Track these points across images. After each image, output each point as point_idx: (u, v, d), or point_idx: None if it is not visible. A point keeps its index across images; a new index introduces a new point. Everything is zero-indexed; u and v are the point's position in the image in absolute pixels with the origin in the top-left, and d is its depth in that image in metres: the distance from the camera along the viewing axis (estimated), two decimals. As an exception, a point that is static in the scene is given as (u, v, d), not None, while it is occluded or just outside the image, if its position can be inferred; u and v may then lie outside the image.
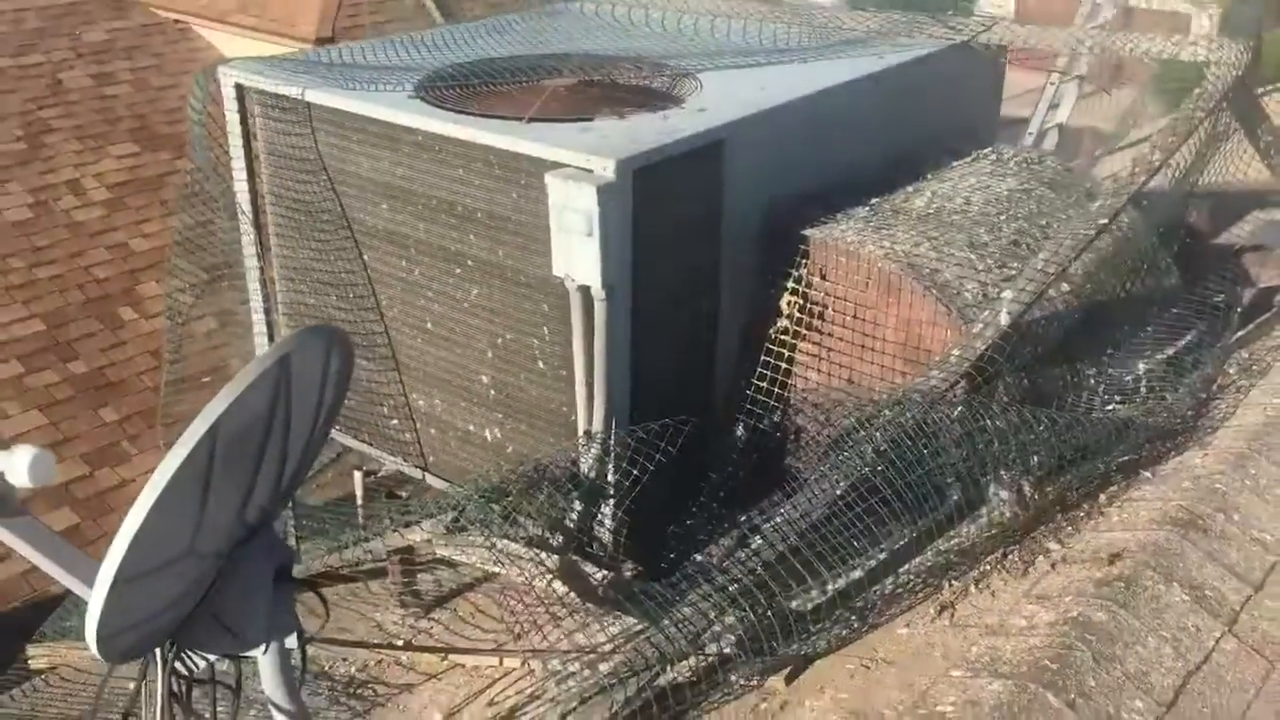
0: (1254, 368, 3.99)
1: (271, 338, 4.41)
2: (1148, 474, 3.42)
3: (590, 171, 3.19)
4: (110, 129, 10.74)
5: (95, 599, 1.99)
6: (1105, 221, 3.54)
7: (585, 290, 3.26)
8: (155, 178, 10.01)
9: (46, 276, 9.21)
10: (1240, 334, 4.35)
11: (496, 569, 3.56)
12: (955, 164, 4.28)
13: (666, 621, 2.90)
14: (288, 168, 4.07)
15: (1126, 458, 3.52)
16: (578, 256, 3.21)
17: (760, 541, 3.03)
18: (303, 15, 11.52)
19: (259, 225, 4.25)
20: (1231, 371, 4.00)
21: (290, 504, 5.00)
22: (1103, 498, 3.35)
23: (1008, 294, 3.45)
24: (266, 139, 4.10)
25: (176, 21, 12.15)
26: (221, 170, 4.35)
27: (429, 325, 3.92)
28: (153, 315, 8.79)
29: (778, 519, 3.09)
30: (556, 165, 3.26)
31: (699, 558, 3.39)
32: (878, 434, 3.15)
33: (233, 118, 4.11)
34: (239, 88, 4.07)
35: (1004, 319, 3.40)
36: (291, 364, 2.15)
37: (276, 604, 2.38)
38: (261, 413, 2.15)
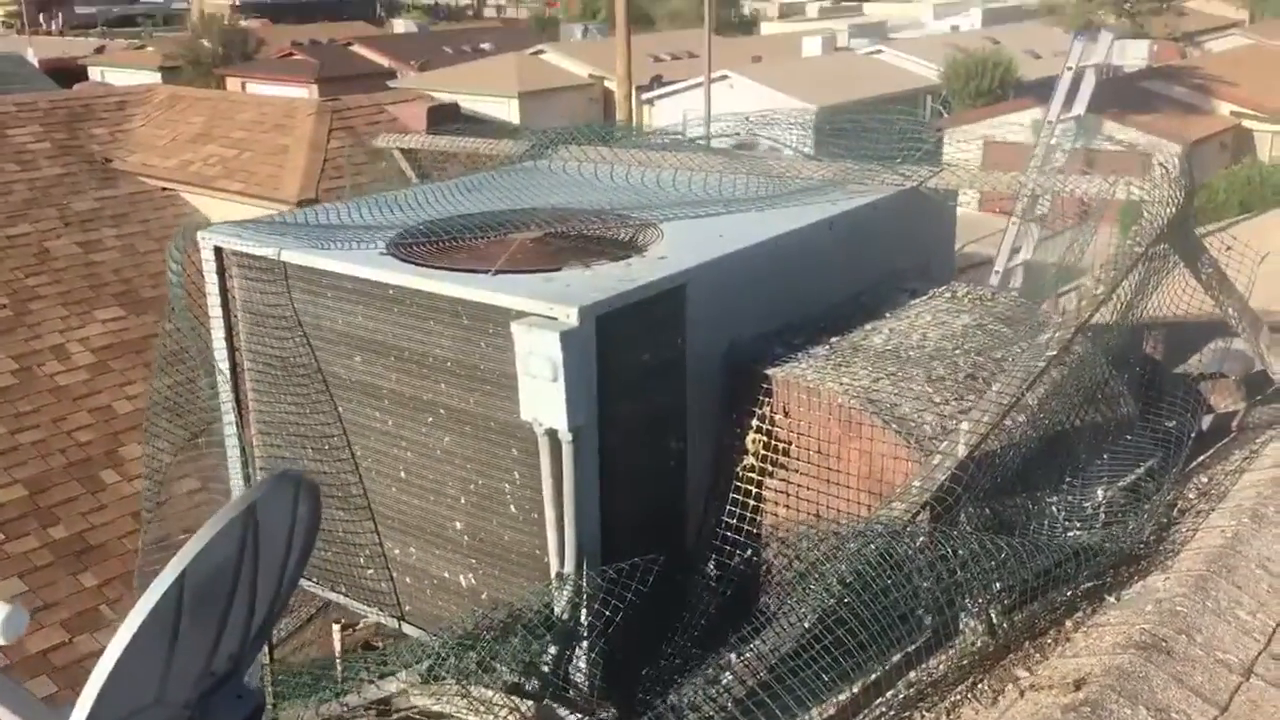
0: (1213, 492, 4.07)
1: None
2: (1112, 599, 3.47)
3: (554, 319, 3.32)
4: (95, 294, 10.96)
5: (62, 752, 2.01)
6: (1054, 353, 3.67)
7: (553, 434, 3.35)
8: (139, 340, 10.18)
9: (29, 441, 9.27)
10: (1199, 459, 4.46)
11: (472, 718, 3.55)
12: (912, 302, 4.43)
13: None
14: (264, 325, 4.19)
15: (1091, 583, 3.57)
16: (544, 401, 3.31)
17: (730, 678, 3.05)
18: (286, 179, 11.90)
19: (236, 382, 4.35)
20: (1191, 496, 4.09)
21: (269, 660, 4.97)
22: (1069, 623, 3.39)
23: (964, 425, 3.55)
24: (244, 298, 4.24)
25: (163, 188, 12.52)
26: (200, 330, 4.47)
27: (403, 474, 3.99)
28: (134, 477, 8.83)
29: (747, 654, 3.12)
30: (522, 314, 3.39)
31: (673, 697, 3.39)
32: (842, 566, 3.20)
33: (211, 279, 4.26)
34: (217, 250, 4.23)
35: (961, 450, 3.49)
36: (258, 511, 2.22)
37: (245, 754, 2.38)
38: (229, 561, 2.20)
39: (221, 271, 4.25)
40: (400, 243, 4.03)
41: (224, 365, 4.33)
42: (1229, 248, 4.37)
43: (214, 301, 4.27)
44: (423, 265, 3.81)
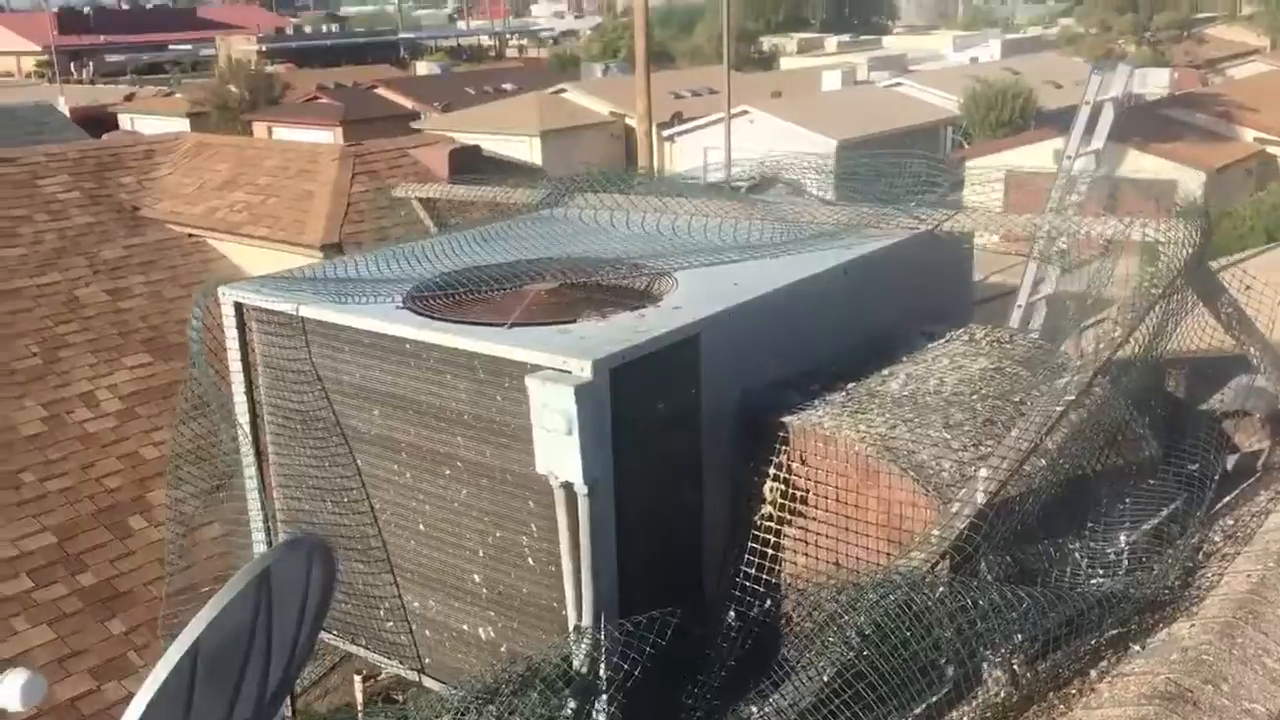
0: (1239, 534, 4.02)
1: (270, 544, 4.48)
2: (1137, 647, 3.42)
3: (568, 373, 3.33)
4: (124, 341, 11.09)
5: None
6: (1072, 397, 3.64)
7: (568, 487, 3.35)
8: (166, 386, 10.28)
9: (58, 489, 9.36)
10: (1225, 500, 4.41)
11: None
12: (929, 346, 4.42)
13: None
14: (284, 379, 4.23)
15: (1116, 631, 3.53)
16: (559, 454, 3.31)
17: (749, 733, 3.03)
18: (309, 225, 12.03)
19: (257, 435, 4.38)
20: (1217, 539, 4.04)
21: (291, 711, 4.97)
22: (1093, 673, 3.35)
23: (983, 472, 3.53)
24: (264, 352, 4.28)
25: (190, 235, 12.67)
26: (222, 383, 4.51)
27: (421, 527, 4.00)
28: (161, 523, 8.89)
29: (767, 709, 3.10)
30: (537, 368, 3.40)
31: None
32: (861, 617, 3.18)
33: (231, 334, 4.30)
34: (238, 305, 4.28)
35: (980, 497, 3.46)
36: (272, 576, 2.24)
37: (260, 818, 2.39)
38: (243, 627, 2.22)
39: (242, 326, 4.29)
40: (416, 296, 4.07)
41: (244, 419, 4.36)
42: (1248, 287, 4.34)
43: (234, 356, 4.32)
44: (438, 319, 3.84)
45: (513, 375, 3.52)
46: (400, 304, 4.00)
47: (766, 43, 64.41)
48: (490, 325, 3.72)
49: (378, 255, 4.71)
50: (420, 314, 3.90)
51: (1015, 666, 3.37)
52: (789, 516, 3.81)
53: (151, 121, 40.37)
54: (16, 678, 2.32)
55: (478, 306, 3.96)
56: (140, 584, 8.87)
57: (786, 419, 3.83)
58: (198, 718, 2.16)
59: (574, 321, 3.76)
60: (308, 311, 4.05)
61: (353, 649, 4.42)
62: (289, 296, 4.13)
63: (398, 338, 3.82)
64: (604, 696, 3.49)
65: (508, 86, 47.85)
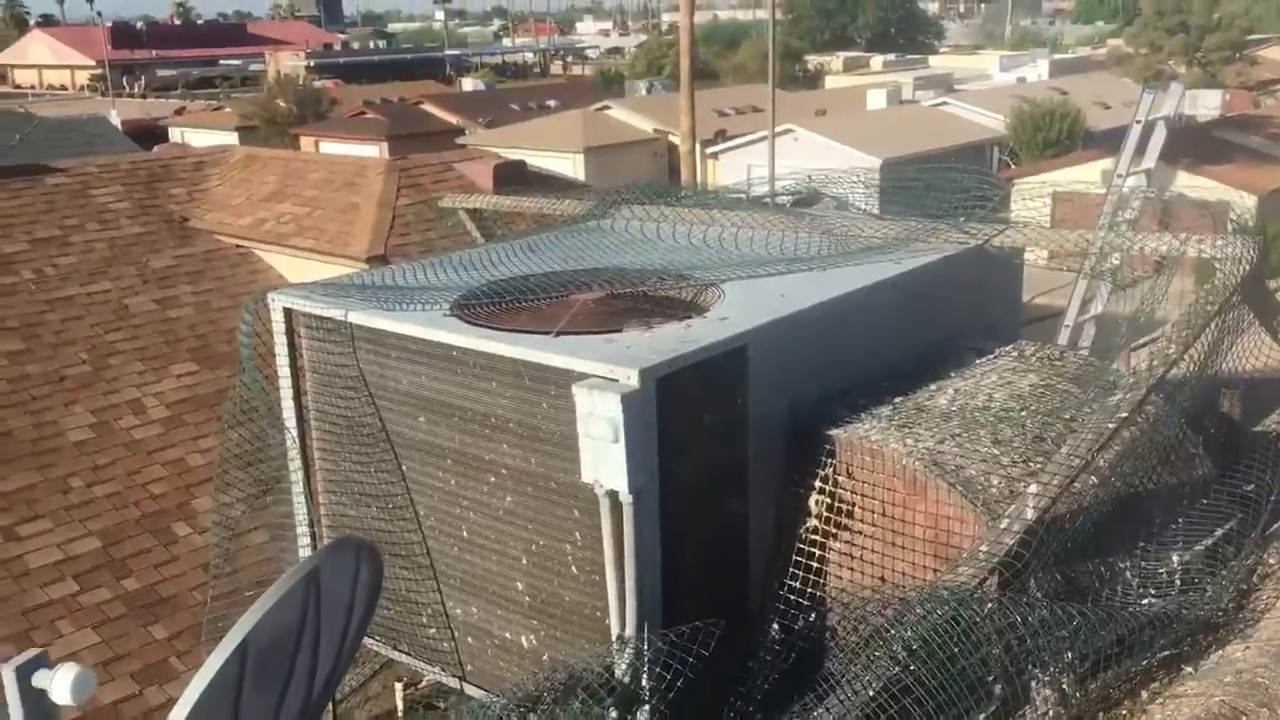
0: (1295, 556, 3.95)
1: (315, 549, 4.51)
2: (1190, 669, 3.36)
3: (615, 381, 3.32)
4: (171, 350, 11.21)
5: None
6: (1125, 414, 3.59)
7: (613, 495, 3.35)
8: (213, 394, 10.37)
9: (104, 494, 9.46)
10: (1280, 522, 4.32)
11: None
12: (978, 361, 4.37)
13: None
14: (331, 385, 4.26)
15: (1168, 653, 3.46)
16: (605, 463, 3.31)
17: (794, 746, 2.99)
18: (356, 237, 12.13)
19: (304, 440, 4.41)
20: (1272, 561, 3.96)
21: (333, 716, 4.99)
22: (1144, 694, 3.29)
23: (1033, 488, 3.48)
24: (311, 358, 4.31)
25: (238, 246, 12.82)
26: (269, 388, 4.55)
27: (465, 534, 4.01)
28: (205, 530, 8.97)
29: (811, 722, 3.06)
30: (583, 376, 3.40)
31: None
32: (908, 632, 3.14)
33: (280, 340, 4.34)
34: (287, 312, 4.32)
35: (1030, 513, 3.42)
36: (320, 577, 2.24)
37: (305, 818, 2.39)
38: (291, 627, 2.23)
39: (290, 332, 4.33)
40: (464, 304, 4.08)
41: (292, 424, 4.39)
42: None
43: (283, 362, 4.35)
44: (485, 327, 3.85)
45: (559, 383, 3.52)
46: (447, 311, 4.02)
47: (812, 61, 64.40)
48: (536, 333, 3.72)
49: (425, 264, 4.74)
50: (467, 321, 3.92)
51: (1065, 686, 3.31)
52: (834, 530, 3.77)
53: (201, 135, 41.01)
54: (68, 672, 2.34)
55: (524, 315, 3.97)
56: (184, 590, 8.94)
57: (833, 431, 3.80)
58: (245, 715, 2.17)
59: (620, 331, 3.76)
60: (356, 317, 4.07)
61: (394, 655, 4.42)
62: (337, 303, 4.16)
63: (444, 344, 3.84)
64: (646, 707, 3.47)
65: (551, 103, 48.16)
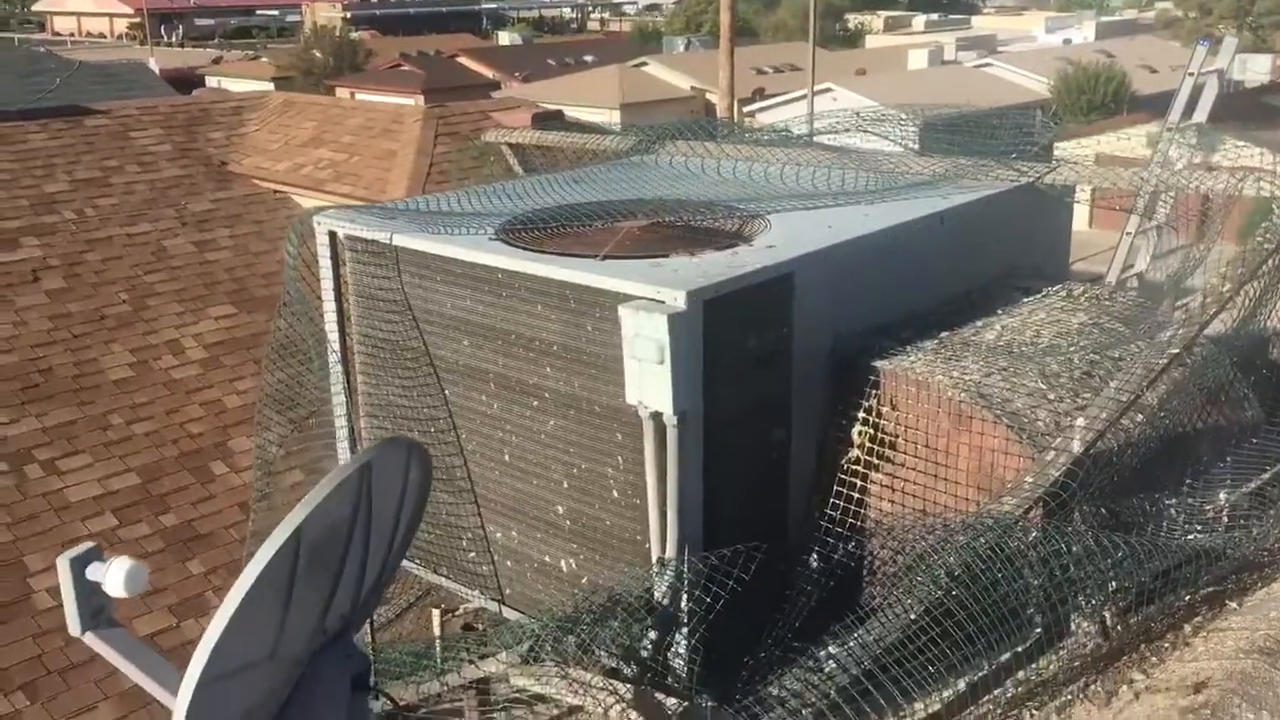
0: (1343, 499, 3.90)
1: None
2: (1234, 605, 3.34)
3: (662, 302, 3.31)
4: (209, 292, 11.28)
5: (182, 697, 2.05)
6: (1176, 351, 3.55)
7: (657, 417, 3.34)
8: (250, 337, 10.44)
9: (143, 432, 9.57)
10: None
11: (571, 699, 3.55)
12: (1025, 299, 4.33)
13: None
14: (375, 308, 4.27)
15: (1212, 589, 3.44)
16: (650, 384, 3.30)
17: (833, 665, 3.00)
18: (393, 182, 12.13)
19: (347, 364, 4.44)
20: (1319, 503, 3.92)
21: (371, 640, 5.05)
22: (1188, 628, 3.27)
23: (1080, 421, 3.45)
24: (356, 281, 4.32)
25: (276, 191, 12.86)
26: (313, 314, 4.57)
27: (506, 457, 4.02)
28: (243, 469, 9.07)
29: (851, 643, 3.07)
30: (629, 298, 3.39)
31: (773, 688, 3.34)
32: (951, 558, 3.14)
33: (325, 262, 4.35)
34: (332, 234, 4.32)
35: (1077, 446, 3.39)
36: (373, 472, 2.25)
37: (354, 713, 2.42)
38: (344, 520, 2.24)
39: (335, 255, 4.34)
40: (509, 229, 4.07)
41: (335, 347, 4.42)
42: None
43: (327, 285, 4.37)
44: (531, 250, 3.84)
45: (604, 306, 3.51)
46: (493, 236, 4.01)
47: (853, 20, 63.60)
48: (583, 257, 3.71)
49: (470, 192, 4.73)
50: (513, 245, 3.91)
51: (1107, 617, 3.30)
52: (877, 461, 3.76)
53: (238, 84, 41.04)
54: (121, 565, 2.37)
55: (570, 240, 3.96)
56: (220, 527, 9.05)
57: (878, 363, 3.78)
58: (297, 605, 2.19)
59: (666, 256, 3.74)
60: (401, 241, 4.07)
61: (434, 578, 4.46)
62: (382, 226, 4.17)
63: (490, 267, 3.83)
64: (685, 629, 3.48)
65: (589, 58, 47.86)
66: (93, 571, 2.47)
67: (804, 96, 28.51)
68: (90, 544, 2.53)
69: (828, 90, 33.27)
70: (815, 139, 5.64)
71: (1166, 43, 43.88)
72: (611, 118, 35.45)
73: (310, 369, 4.74)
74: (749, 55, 41.29)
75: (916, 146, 5.34)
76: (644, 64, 44.21)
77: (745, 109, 36.53)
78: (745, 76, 36.36)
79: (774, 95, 37.60)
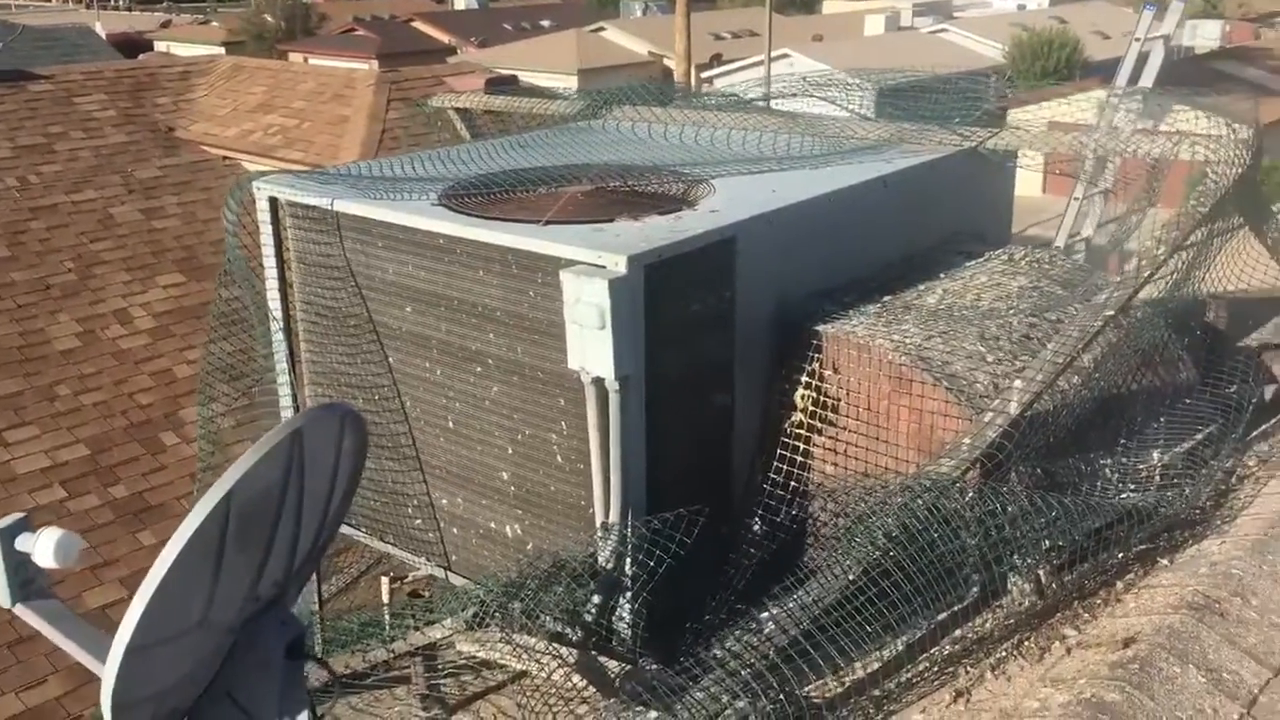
0: (1273, 459, 3.98)
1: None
2: (1165, 562, 3.41)
3: (602, 267, 3.31)
4: (157, 260, 11.14)
5: (110, 666, 2.04)
6: (1111, 313, 3.60)
7: (599, 382, 3.35)
8: (199, 305, 10.32)
9: (91, 403, 9.46)
10: (1262, 428, 4.36)
11: (515, 664, 3.57)
12: (967, 264, 4.36)
13: (681, 709, 2.90)
14: (317, 275, 4.23)
15: (1144, 547, 3.51)
16: (591, 349, 3.30)
17: (773, 627, 3.03)
18: (345, 148, 12.00)
19: (289, 331, 4.40)
20: (1251, 463, 4.00)
21: (318, 608, 5.04)
22: (1120, 585, 3.34)
23: (1018, 383, 3.50)
24: (298, 248, 4.28)
25: (225, 158, 12.68)
26: (255, 281, 4.52)
27: (451, 424, 4.02)
28: (193, 439, 8.98)
29: (790, 604, 3.10)
30: (571, 263, 3.39)
31: (719, 651, 3.38)
32: (889, 519, 3.17)
33: (265, 229, 4.30)
34: (272, 200, 4.28)
35: (1014, 408, 3.43)
36: (304, 438, 2.24)
37: (288, 680, 2.41)
38: (275, 486, 2.23)
39: (276, 221, 4.29)
40: (452, 194, 4.05)
41: (277, 314, 4.38)
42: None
43: (268, 251, 4.32)
44: (474, 215, 3.82)
45: (546, 271, 3.51)
46: (436, 201, 3.99)
47: (809, -14, 63.39)
48: (525, 222, 3.70)
49: (414, 157, 4.69)
50: (456, 210, 3.88)
51: (1041, 576, 3.36)
52: (820, 424, 3.79)
53: (186, 49, 40.34)
54: (51, 536, 2.35)
55: (513, 205, 3.94)
56: (171, 498, 8.98)
57: (820, 326, 3.80)
58: (228, 573, 2.18)
59: (610, 221, 3.73)
60: (342, 206, 4.04)
61: (380, 546, 4.46)
62: (323, 191, 4.12)
63: (432, 233, 3.81)
64: (629, 593, 3.51)
65: (546, 23, 47.47)
66: (22, 542, 2.44)
67: (761, 62, 28.45)
68: (20, 514, 2.50)
69: (785, 56, 33.20)
70: (766, 104, 5.64)
71: (1119, 8, 44.12)
72: (569, 83, 35.22)
73: (254, 337, 4.70)
74: (707, 21, 41.14)
75: (870, 112, 5.35)
76: (601, 29, 43.91)
77: (703, 74, 36.41)
78: (703, 42, 36.25)
79: (732, 61, 37.48)
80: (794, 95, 5.26)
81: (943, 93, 4.87)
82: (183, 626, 2.17)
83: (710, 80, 36.96)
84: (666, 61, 36.32)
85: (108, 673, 2.04)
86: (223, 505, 2.06)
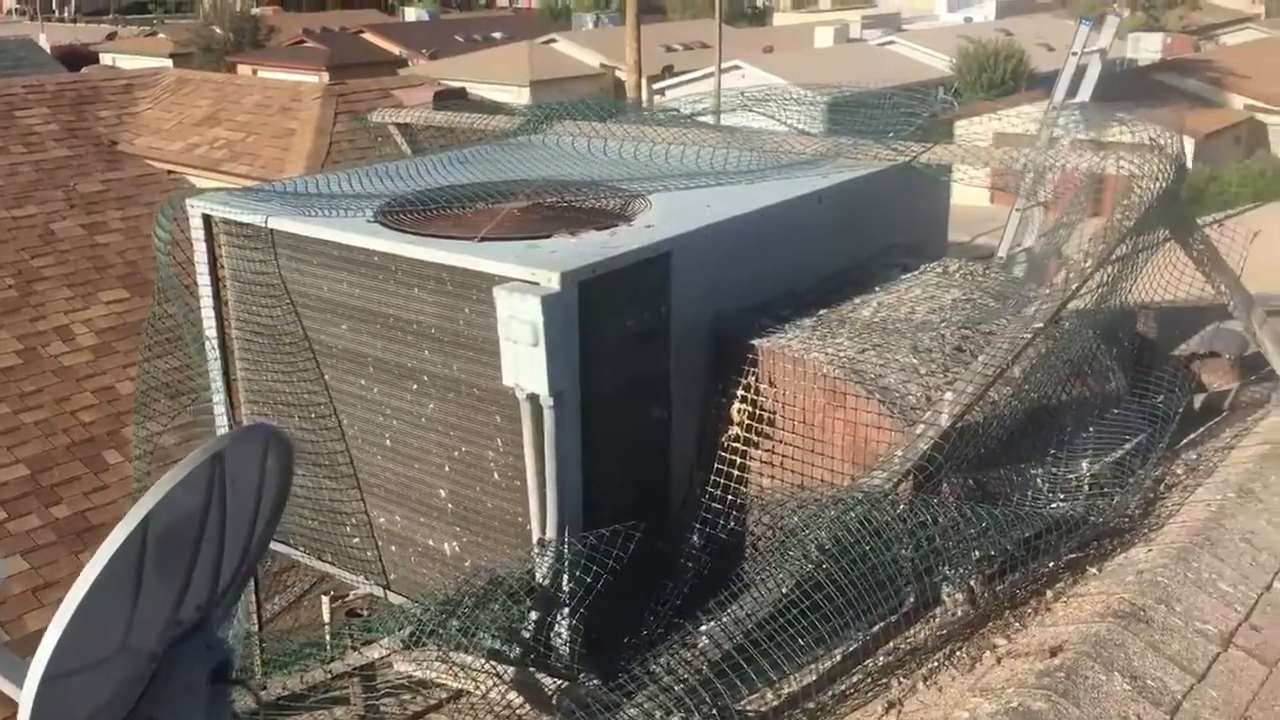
0: (1201, 468, 4.06)
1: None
2: (1094, 570, 3.46)
3: (536, 284, 3.31)
4: (100, 276, 10.98)
5: (26, 695, 2.02)
6: (1039, 325, 3.65)
7: (534, 399, 3.35)
8: (142, 322, 10.16)
9: (32, 421, 9.30)
10: (1190, 436, 4.44)
11: (453, 683, 3.56)
12: (902, 276, 4.41)
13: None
14: (252, 293, 4.20)
15: (1074, 555, 3.56)
16: (525, 366, 3.31)
17: (706, 642, 3.05)
18: (291, 162, 11.91)
19: (225, 350, 4.36)
20: (1179, 471, 4.07)
21: (258, 628, 4.99)
22: (1050, 593, 3.38)
23: (948, 396, 3.54)
24: (232, 266, 4.25)
25: (170, 172, 12.54)
26: (189, 298, 4.48)
27: (388, 442, 4.00)
28: (137, 457, 8.87)
29: (725, 619, 3.12)
30: (505, 279, 3.39)
31: (654, 667, 3.38)
32: (821, 532, 3.20)
33: (199, 247, 4.27)
34: (206, 218, 4.24)
35: (945, 420, 3.47)
36: (225, 461, 2.22)
37: (214, 706, 2.39)
38: (195, 509, 2.21)
39: (210, 239, 4.26)
40: (388, 211, 4.04)
41: (212, 333, 4.34)
42: (1219, 223, 4.34)
43: (202, 270, 4.28)
44: (409, 232, 3.81)
45: (481, 288, 3.50)
46: (371, 218, 3.97)
47: (760, -2, 63.91)
48: (460, 239, 3.70)
49: (351, 173, 4.67)
50: (391, 227, 3.87)
51: (973, 585, 3.40)
52: (756, 438, 3.81)
53: (133, 62, 39.89)
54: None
55: (449, 222, 3.94)
56: (114, 518, 8.74)
57: (756, 341, 3.83)
58: (147, 598, 2.16)
59: (547, 237, 3.74)
60: (276, 224, 4.01)
61: (319, 565, 4.42)
62: (258, 209, 4.10)
63: (367, 250, 3.80)
64: (566, 609, 3.51)
65: (497, 35, 47.45)
66: (-55, 567, 2.40)
67: (712, 74, 28.60)
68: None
69: (736, 68, 33.39)
70: (708, 119, 5.67)
71: (1064, 21, 44.82)
72: (521, 95, 35.23)
73: (189, 355, 4.65)
74: (658, 32, 41.32)
75: (821, 126, 5.38)
76: (553, 41, 43.94)
77: (654, 86, 36.54)
78: (654, 54, 36.38)
79: (683, 72, 37.63)
80: (738, 110, 5.30)
81: (878, 108, 4.91)
82: (102, 654, 2.15)
83: (662, 91, 37.10)
84: (619, 73, 36.43)
85: (24, 702, 2.01)
86: (138, 532, 2.05)
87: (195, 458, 2.15)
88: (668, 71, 38.52)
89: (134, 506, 2.04)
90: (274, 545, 4.50)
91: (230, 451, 2.24)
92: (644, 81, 29.65)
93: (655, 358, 3.73)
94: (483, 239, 3.68)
